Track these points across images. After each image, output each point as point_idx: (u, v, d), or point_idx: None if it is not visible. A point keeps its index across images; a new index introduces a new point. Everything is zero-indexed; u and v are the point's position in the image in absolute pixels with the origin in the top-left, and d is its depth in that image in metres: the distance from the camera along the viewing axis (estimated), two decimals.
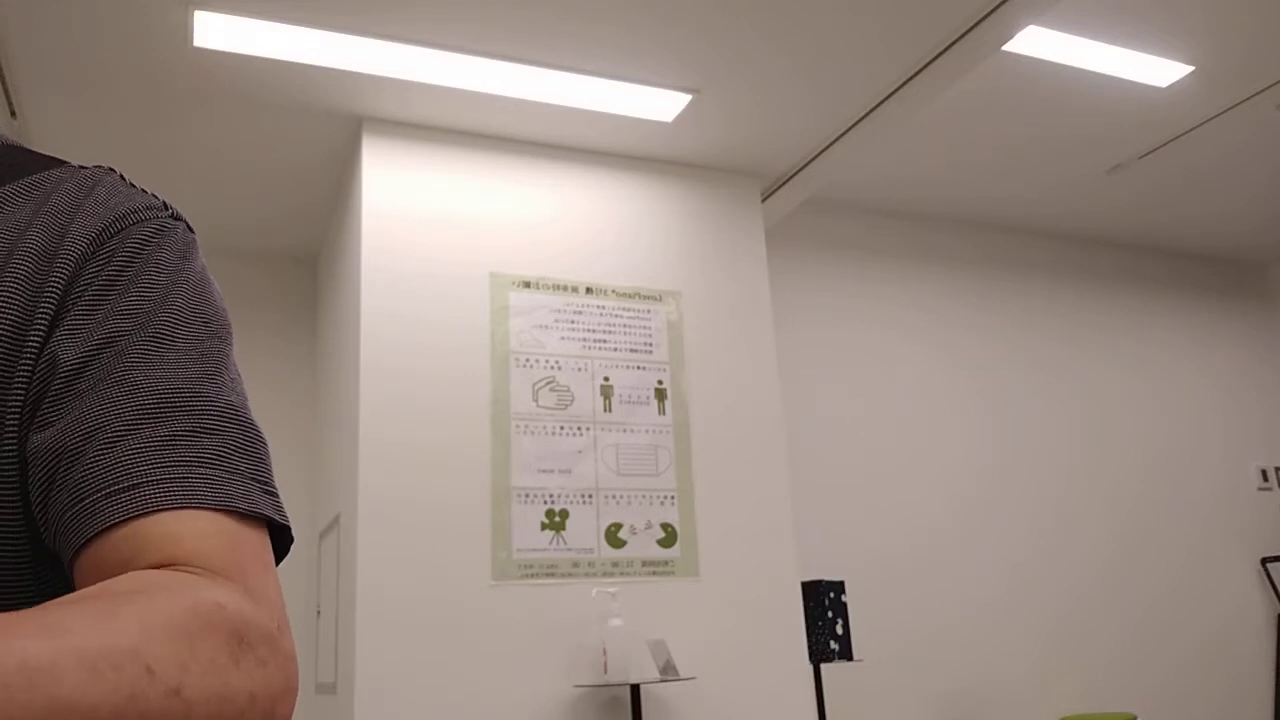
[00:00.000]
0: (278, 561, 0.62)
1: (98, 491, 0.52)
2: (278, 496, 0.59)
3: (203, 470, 0.54)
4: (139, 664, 0.40)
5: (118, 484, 0.52)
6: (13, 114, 3.30)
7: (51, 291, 0.57)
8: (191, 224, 0.68)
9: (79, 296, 0.58)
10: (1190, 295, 5.70)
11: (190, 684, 0.42)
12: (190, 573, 0.50)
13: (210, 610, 0.46)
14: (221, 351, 0.62)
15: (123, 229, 0.61)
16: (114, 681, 0.39)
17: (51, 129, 3.45)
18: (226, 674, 0.45)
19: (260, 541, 0.55)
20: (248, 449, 0.58)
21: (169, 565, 0.50)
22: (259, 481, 0.57)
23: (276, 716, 0.48)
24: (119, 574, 0.50)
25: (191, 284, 0.62)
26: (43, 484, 0.54)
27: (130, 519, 0.51)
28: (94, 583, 0.51)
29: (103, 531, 0.51)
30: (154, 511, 0.52)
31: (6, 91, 3.19)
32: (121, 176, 0.66)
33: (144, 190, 0.66)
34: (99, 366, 0.56)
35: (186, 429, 0.55)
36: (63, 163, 0.66)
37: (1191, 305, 5.68)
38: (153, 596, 0.45)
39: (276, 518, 0.57)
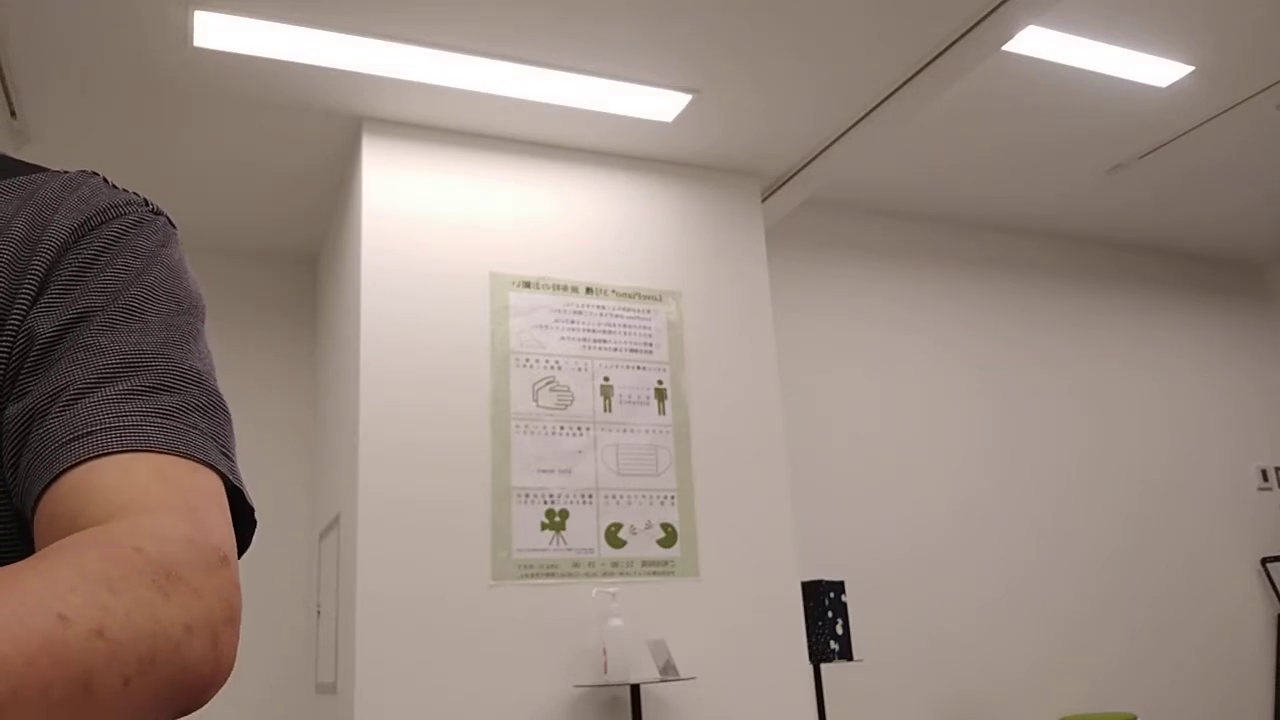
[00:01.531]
0: (244, 548, 0.62)
1: (55, 443, 0.54)
2: (234, 461, 0.60)
3: (157, 420, 0.56)
4: (49, 614, 0.40)
5: (74, 434, 0.54)
6: (13, 114, 3.30)
7: (33, 276, 0.59)
8: (175, 220, 0.69)
9: (57, 278, 0.60)
10: (1190, 295, 5.70)
11: (113, 623, 0.42)
12: (120, 522, 0.50)
13: (127, 552, 0.46)
14: (191, 326, 0.63)
15: (104, 221, 0.63)
16: (17, 634, 0.38)
17: (51, 129, 3.45)
18: (155, 609, 0.44)
19: (212, 485, 0.56)
20: (207, 410, 0.59)
21: (111, 514, 0.51)
22: (215, 440, 0.58)
23: (221, 644, 0.48)
24: (69, 527, 0.50)
25: (166, 266, 0.64)
26: (14, 449, 0.56)
27: (81, 462, 0.52)
28: (48, 537, 0.52)
29: (56, 479, 0.53)
30: (104, 455, 0.53)
31: (6, 91, 3.19)
32: (105, 179, 0.68)
33: (125, 190, 0.68)
34: (71, 337, 0.58)
35: (146, 385, 0.57)
36: (47, 169, 0.68)
37: (1191, 305, 5.68)
38: (62, 553, 0.45)
39: (230, 477, 0.58)
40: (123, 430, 0.54)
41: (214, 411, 0.60)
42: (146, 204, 0.67)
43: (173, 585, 0.46)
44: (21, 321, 0.58)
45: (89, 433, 0.54)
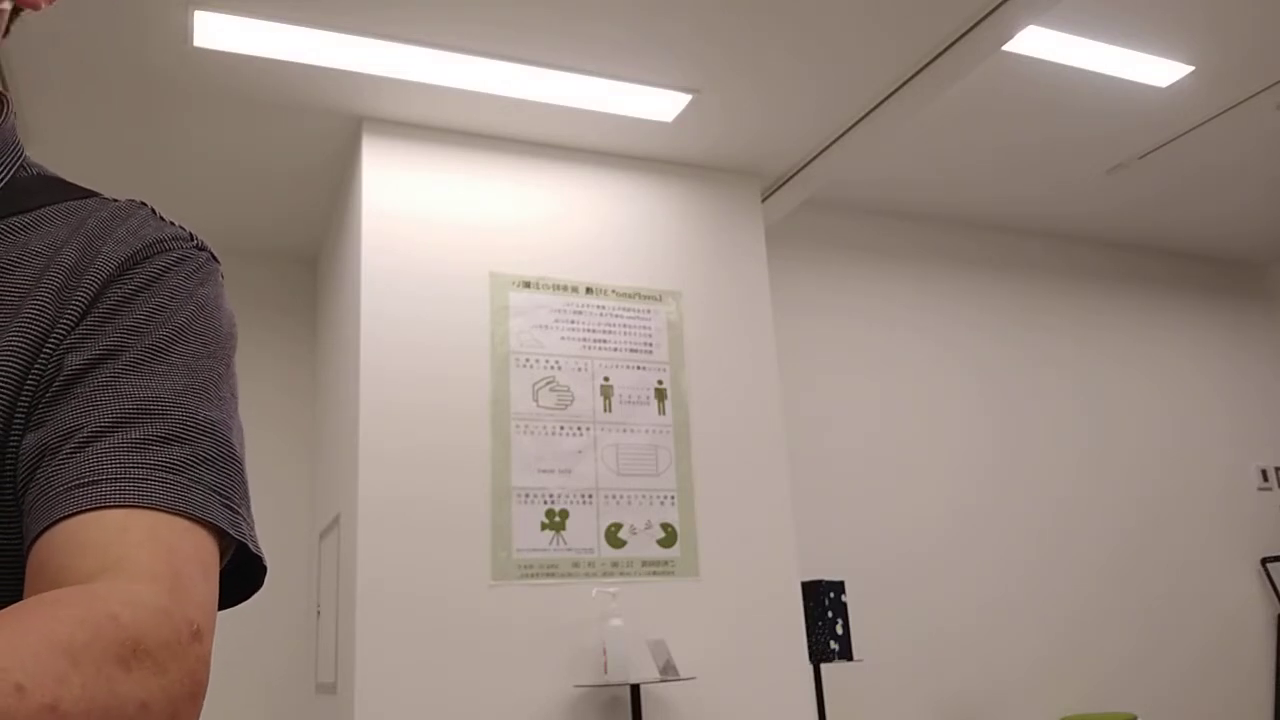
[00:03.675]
0: (253, 591, 0.63)
1: (60, 486, 0.54)
2: (239, 513, 0.60)
3: (161, 474, 0.56)
4: (7, 682, 0.40)
5: (78, 480, 0.54)
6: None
7: (75, 306, 0.60)
8: (175, 221, 0.70)
9: (95, 311, 0.61)
10: (1190, 295, 5.70)
11: (68, 697, 0.42)
12: (102, 583, 0.50)
13: (100, 621, 0.46)
14: (214, 370, 0.63)
15: (148, 256, 0.64)
16: None
17: (51, 129, 3.45)
18: (114, 684, 0.45)
19: (204, 548, 0.56)
20: (215, 463, 0.59)
21: (98, 571, 0.51)
22: (220, 494, 0.58)
23: None
24: (55, 576, 0.51)
25: (198, 305, 0.65)
26: (25, 481, 0.56)
27: (79, 513, 0.53)
28: (37, 581, 0.52)
29: (53, 524, 0.53)
30: (102, 508, 0.53)
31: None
32: (153, 210, 0.69)
33: (173, 223, 0.69)
34: (94, 374, 0.58)
35: (158, 435, 0.57)
36: (98, 194, 0.69)
37: (1191, 305, 5.68)
38: (36, 614, 0.45)
39: (230, 530, 0.58)
40: (125, 483, 0.54)
41: (223, 464, 0.60)
42: (191, 239, 0.68)
43: (137, 660, 0.46)
44: (55, 350, 0.59)
45: (92, 482, 0.54)
